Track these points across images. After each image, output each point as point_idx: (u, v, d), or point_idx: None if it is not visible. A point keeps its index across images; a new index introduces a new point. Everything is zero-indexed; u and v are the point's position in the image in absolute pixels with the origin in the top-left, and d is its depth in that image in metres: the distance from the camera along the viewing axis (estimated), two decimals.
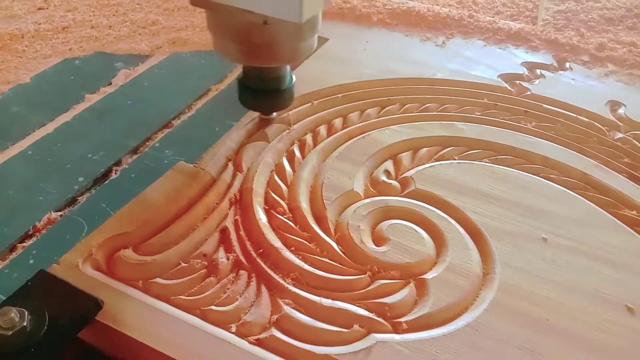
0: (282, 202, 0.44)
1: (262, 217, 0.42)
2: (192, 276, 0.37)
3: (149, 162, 0.53)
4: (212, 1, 0.37)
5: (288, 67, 0.47)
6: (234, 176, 0.46)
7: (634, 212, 0.45)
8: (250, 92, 0.47)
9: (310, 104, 0.55)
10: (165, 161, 0.53)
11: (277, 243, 0.40)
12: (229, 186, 0.45)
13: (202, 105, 0.62)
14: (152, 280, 0.37)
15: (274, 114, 0.51)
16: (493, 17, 0.80)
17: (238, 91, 0.47)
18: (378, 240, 0.41)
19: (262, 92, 0.47)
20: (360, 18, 0.73)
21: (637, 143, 0.53)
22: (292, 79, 0.47)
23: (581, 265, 0.40)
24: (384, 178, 0.47)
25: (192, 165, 0.47)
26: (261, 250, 0.39)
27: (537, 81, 0.61)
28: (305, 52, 0.44)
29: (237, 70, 0.67)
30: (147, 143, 0.56)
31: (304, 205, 0.43)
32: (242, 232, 0.41)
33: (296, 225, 0.42)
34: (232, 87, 0.64)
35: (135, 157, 0.54)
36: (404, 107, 0.56)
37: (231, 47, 0.42)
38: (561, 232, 0.42)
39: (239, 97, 0.48)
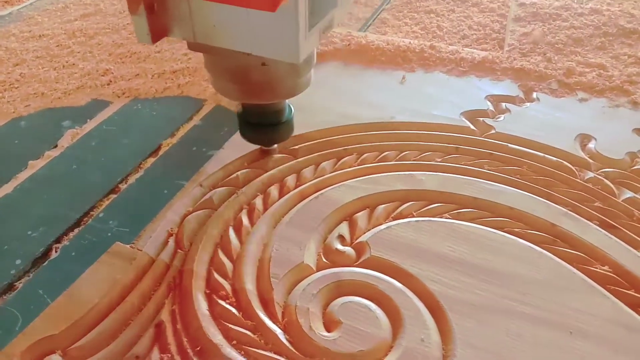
0: (226, 284, 0.40)
1: (201, 305, 0.39)
2: None
3: (92, 236, 0.50)
4: (210, 45, 0.38)
5: (286, 100, 0.47)
6: (174, 254, 0.43)
7: (606, 267, 0.42)
8: (251, 126, 0.48)
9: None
10: (109, 234, 0.50)
11: (217, 337, 0.36)
12: (168, 267, 0.42)
13: (151, 165, 0.58)
14: None
15: (275, 145, 0.52)
16: (459, 41, 0.77)
17: (239, 126, 0.48)
18: (329, 324, 0.38)
19: (263, 125, 0.48)
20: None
21: (608, 183, 0.50)
22: (291, 111, 0.48)
23: (548, 339, 0.37)
24: (338, 245, 0.44)
25: (128, 246, 0.43)
26: (199, 348, 0.36)
27: (502, 117, 0.58)
28: (303, 86, 0.45)
29: (189, 125, 0.64)
30: (91, 213, 0.53)
31: (249, 286, 0.40)
32: (179, 326, 0.37)
33: (239, 312, 0.38)
34: (184, 142, 0.61)
35: (77, 230, 0.51)
36: (361, 158, 0.53)
37: (231, 87, 0.43)
38: (527, 299, 0.39)
39: (240, 131, 0.49)
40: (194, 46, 0.40)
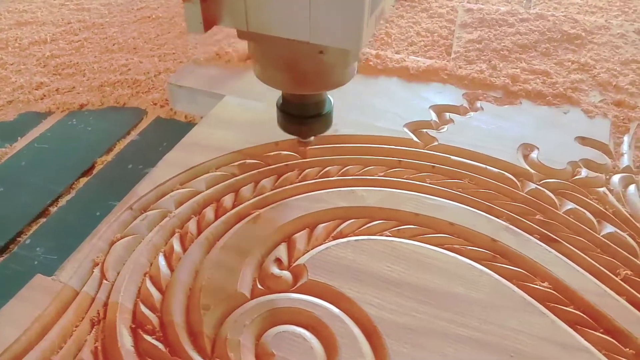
0: (153, 317, 0.38)
1: (126, 341, 0.36)
2: None
3: (16, 265, 0.47)
4: (263, 34, 0.36)
5: (327, 92, 0.47)
6: (100, 286, 0.40)
7: (546, 283, 0.41)
8: (290, 118, 0.47)
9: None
10: (35, 262, 0.47)
11: None
12: (92, 301, 0.39)
13: (83, 185, 0.55)
14: None
15: (312, 137, 0.51)
16: (407, 48, 0.76)
17: (278, 117, 0.48)
18: (261, 357, 0.36)
19: (303, 117, 0.47)
20: None
21: (549, 194, 0.49)
22: (331, 103, 0.48)
23: None
24: (275, 269, 0.42)
25: (50, 278, 0.41)
26: None
27: (445, 128, 0.57)
28: (349, 76, 0.44)
29: (125, 140, 0.62)
30: (17, 239, 0.50)
31: (178, 319, 0.38)
32: None
33: (166, 348, 0.36)
34: (119, 159, 0.59)
35: (1, 259, 0.48)
36: (303, 174, 0.51)
37: (280, 76, 0.42)
38: (465, 321, 0.38)
39: (279, 123, 0.48)
40: (245, 35, 0.39)
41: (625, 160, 0.54)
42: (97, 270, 0.41)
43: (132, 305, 0.39)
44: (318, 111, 0.47)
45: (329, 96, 0.48)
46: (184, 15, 0.36)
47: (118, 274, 0.41)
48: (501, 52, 0.71)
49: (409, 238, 0.45)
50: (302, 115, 0.47)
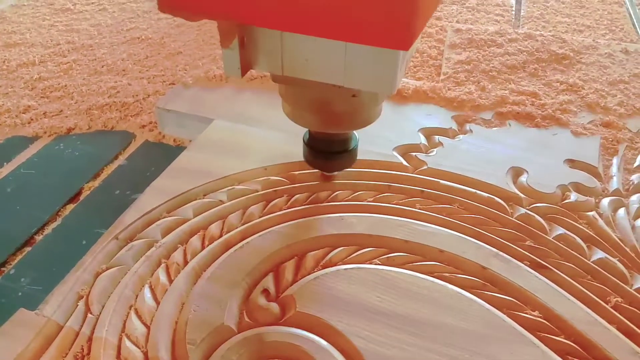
0: (138, 352, 0.37)
1: None
2: None
3: (0, 297, 0.46)
4: (298, 78, 0.37)
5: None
6: (84, 320, 0.40)
7: (536, 312, 0.41)
8: (317, 153, 0.49)
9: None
10: (19, 293, 0.47)
11: None
12: (77, 335, 0.39)
13: (70, 212, 0.55)
14: None
15: (336, 172, 0.53)
16: None
17: (304, 151, 0.50)
18: None
19: (330, 153, 0.48)
20: (257, 84, 0.69)
21: (539, 219, 0.49)
22: (356, 139, 0.49)
23: None
24: (262, 301, 0.41)
25: (34, 313, 0.40)
26: None
27: (434, 151, 0.57)
28: (378, 114, 0.45)
29: (113, 165, 0.61)
30: (1, 269, 0.49)
31: (164, 354, 0.37)
32: None
33: None
34: (106, 185, 0.58)
35: None
36: (292, 200, 0.51)
37: (311, 117, 0.44)
38: (455, 353, 0.38)
39: (305, 156, 0.50)
40: (279, 79, 0.40)
41: (614, 183, 0.54)
42: (81, 304, 0.41)
43: (117, 340, 0.38)
44: (344, 147, 0.48)
45: (354, 133, 0.49)
46: (222, 60, 0.37)
47: (103, 307, 0.41)
48: (490, 73, 0.71)
49: (398, 266, 0.44)
50: (329, 151, 0.48)
